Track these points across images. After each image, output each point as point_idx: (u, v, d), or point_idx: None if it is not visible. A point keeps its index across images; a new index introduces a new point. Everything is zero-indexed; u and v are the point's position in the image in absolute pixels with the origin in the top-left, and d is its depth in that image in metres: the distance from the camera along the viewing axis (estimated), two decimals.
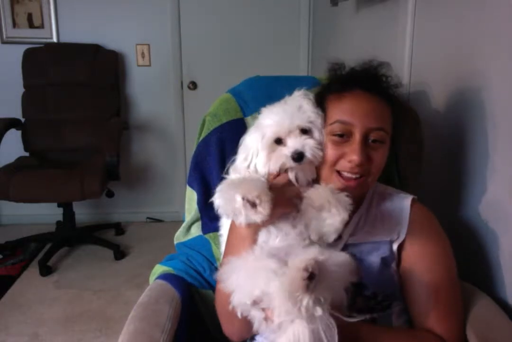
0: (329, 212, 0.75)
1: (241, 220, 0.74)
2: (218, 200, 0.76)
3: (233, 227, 0.82)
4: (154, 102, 3.08)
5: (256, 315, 0.72)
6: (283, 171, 0.81)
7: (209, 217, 1.09)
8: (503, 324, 0.86)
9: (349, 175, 0.81)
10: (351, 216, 0.87)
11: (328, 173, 0.83)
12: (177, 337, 0.88)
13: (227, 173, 0.88)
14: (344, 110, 0.82)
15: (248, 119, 1.10)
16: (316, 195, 0.78)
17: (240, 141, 0.88)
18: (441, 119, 1.20)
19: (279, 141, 0.81)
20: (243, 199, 0.71)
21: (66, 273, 2.44)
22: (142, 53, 3.00)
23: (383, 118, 0.84)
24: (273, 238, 0.78)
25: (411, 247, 0.86)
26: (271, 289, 0.66)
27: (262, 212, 0.71)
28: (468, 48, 1.09)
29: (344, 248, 0.86)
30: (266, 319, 0.71)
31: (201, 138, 1.10)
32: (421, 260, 0.85)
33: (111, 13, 2.93)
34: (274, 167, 0.80)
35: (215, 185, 1.07)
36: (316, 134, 0.82)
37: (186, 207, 1.14)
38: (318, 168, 0.84)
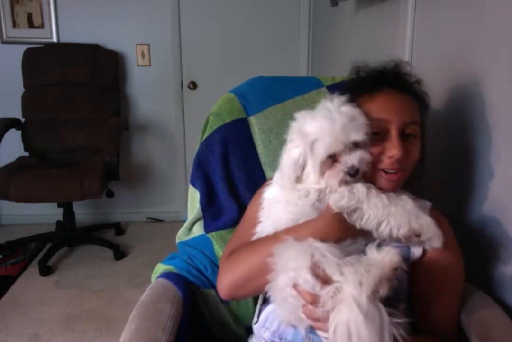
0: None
1: None
2: None
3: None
4: (154, 102, 3.08)
5: (293, 302, 0.71)
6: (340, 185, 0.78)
7: (211, 216, 1.09)
8: (504, 324, 0.86)
9: (390, 171, 0.82)
10: None
11: (372, 172, 0.82)
12: (178, 336, 0.87)
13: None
14: (378, 109, 0.83)
15: (251, 119, 1.10)
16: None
17: (282, 150, 0.83)
18: (441, 119, 1.20)
19: (332, 156, 0.78)
20: None
21: (66, 273, 2.44)
22: (142, 53, 3.00)
23: (415, 112, 0.86)
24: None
25: (429, 253, 0.86)
26: (343, 274, 0.65)
27: None
28: (468, 48, 1.10)
29: None
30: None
31: (204, 137, 1.11)
32: (437, 265, 0.85)
33: (111, 13, 2.93)
34: (332, 184, 0.77)
35: (218, 184, 1.08)
36: (368, 144, 0.80)
37: (188, 206, 1.14)
38: None
